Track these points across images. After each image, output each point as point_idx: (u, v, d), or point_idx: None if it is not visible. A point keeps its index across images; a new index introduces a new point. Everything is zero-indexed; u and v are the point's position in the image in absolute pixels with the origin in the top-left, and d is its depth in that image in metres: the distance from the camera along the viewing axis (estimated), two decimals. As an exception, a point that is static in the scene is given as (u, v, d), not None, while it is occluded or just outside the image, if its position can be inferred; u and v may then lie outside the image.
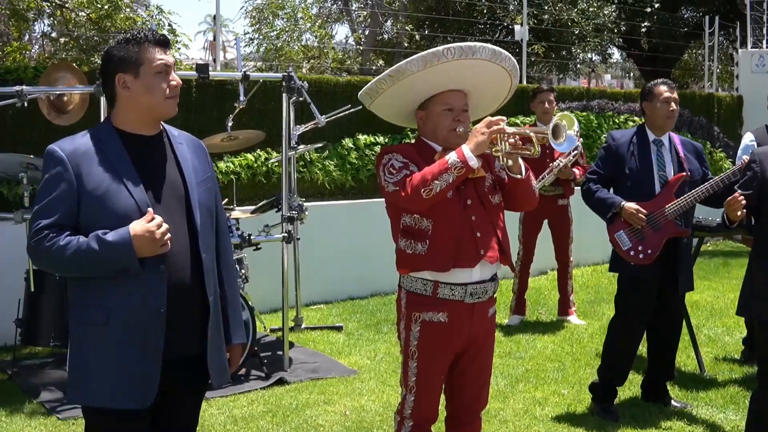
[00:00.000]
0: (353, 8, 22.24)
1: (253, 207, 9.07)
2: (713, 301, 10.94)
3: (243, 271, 8.50)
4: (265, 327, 9.29)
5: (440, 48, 4.52)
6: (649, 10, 22.36)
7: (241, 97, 7.81)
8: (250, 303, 8.37)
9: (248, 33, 22.59)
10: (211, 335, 3.97)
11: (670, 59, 23.74)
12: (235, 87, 10.65)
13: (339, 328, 9.47)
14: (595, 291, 11.59)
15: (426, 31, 21.20)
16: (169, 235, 3.71)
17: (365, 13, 22.11)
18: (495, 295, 4.87)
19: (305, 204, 8.84)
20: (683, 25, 23.73)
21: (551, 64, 20.94)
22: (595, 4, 20.45)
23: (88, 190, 3.70)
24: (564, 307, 10.04)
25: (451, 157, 4.42)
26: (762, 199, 5.38)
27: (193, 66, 8.77)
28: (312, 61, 20.49)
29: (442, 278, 4.60)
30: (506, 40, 18.63)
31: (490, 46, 4.65)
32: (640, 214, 6.43)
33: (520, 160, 4.63)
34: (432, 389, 4.77)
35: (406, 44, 19.94)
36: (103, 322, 3.72)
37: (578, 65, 23.34)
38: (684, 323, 7.69)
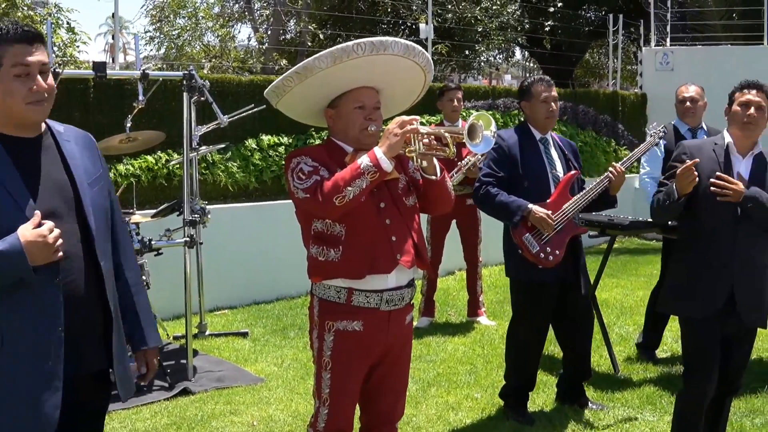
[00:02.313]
0: (255, 7, 21.91)
1: (153, 211, 8.75)
2: (623, 299, 10.90)
3: (144, 277, 8.19)
4: (168, 335, 8.99)
5: (350, 44, 4.31)
6: (552, 9, 22.38)
7: (140, 97, 7.50)
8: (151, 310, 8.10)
9: (149, 32, 22.16)
10: (115, 346, 3.72)
11: (573, 58, 23.83)
12: (135, 87, 10.29)
13: (244, 334, 9.21)
14: (504, 291, 11.36)
15: (329, 31, 20.96)
16: (61, 240, 3.41)
17: (267, 12, 21.79)
18: (412, 302, 4.68)
19: (208, 207, 8.57)
20: (586, 24, 23.82)
21: (454, 64, 20.83)
22: (498, 2, 20.43)
23: None
24: (473, 308, 9.90)
25: (364, 161, 4.21)
26: (692, 194, 5.30)
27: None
28: (213, 60, 20.13)
29: (357, 285, 4.40)
30: (411, 40, 18.47)
31: (402, 41, 4.46)
32: (550, 220, 6.27)
33: (435, 161, 4.45)
34: (346, 401, 4.57)
35: (309, 43, 19.68)
36: None
37: (482, 64, 23.31)
38: (597, 322, 7.61)
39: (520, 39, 23.10)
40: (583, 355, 6.94)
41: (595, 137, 16.42)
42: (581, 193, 6.41)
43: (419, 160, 4.35)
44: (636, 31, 20.85)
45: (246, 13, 22.02)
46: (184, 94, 7.60)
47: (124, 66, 21.01)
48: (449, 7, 19.43)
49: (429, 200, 4.60)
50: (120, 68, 8.81)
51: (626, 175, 6.57)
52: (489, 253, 11.48)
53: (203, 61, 19.99)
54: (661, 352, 8.31)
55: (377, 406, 4.68)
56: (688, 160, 5.27)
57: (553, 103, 6.51)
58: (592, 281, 7.93)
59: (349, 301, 4.41)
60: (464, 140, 4.19)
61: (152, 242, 7.60)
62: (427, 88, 4.82)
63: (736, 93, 5.47)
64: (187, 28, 20.81)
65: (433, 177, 4.45)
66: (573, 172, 6.50)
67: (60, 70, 6.98)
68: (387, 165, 4.19)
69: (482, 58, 22.52)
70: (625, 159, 6.81)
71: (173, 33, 21.22)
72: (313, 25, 19.65)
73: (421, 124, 4.35)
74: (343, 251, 4.37)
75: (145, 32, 22.24)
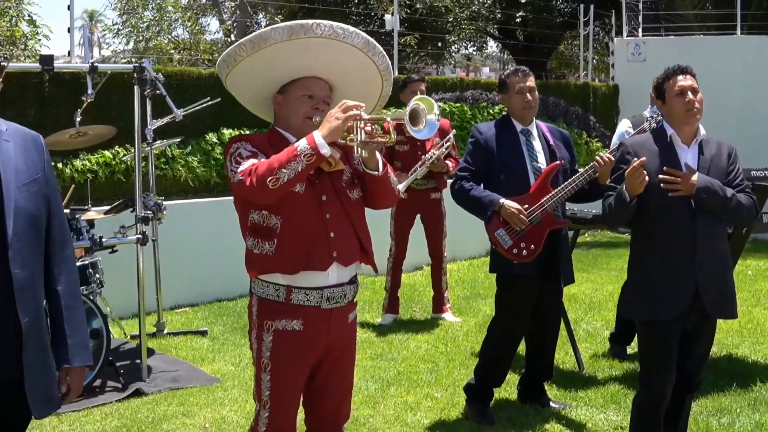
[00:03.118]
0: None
1: (108, 207, 8.53)
2: (592, 294, 10.75)
3: (98, 275, 8.00)
4: (125, 333, 8.79)
5: (310, 21, 4.13)
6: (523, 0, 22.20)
7: (89, 90, 7.27)
8: (103, 310, 7.90)
9: (117, 24, 21.93)
10: (28, 360, 3.51)
11: (546, 49, 23.68)
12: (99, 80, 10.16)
13: (203, 333, 9.01)
14: (471, 286, 11.29)
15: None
16: None
17: (234, 3, 21.56)
18: (355, 300, 4.49)
19: (164, 203, 8.36)
20: (558, 14, 23.66)
21: (425, 55, 20.65)
22: (469, -9, 20.23)
23: None
24: (438, 304, 9.72)
25: (301, 143, 4.00)
26: (642, 194, 5.07)
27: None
28: (183, 52, 19.91)
29: (295, 282, 4.21)
30: (378, 31, 18.23)
31: (364, 34, 4.28)
32: (522, 216, 6.10)
33: (378, 155, 4.24)
34: (288, 404, 4.37)
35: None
36: None
37: (452, 55, 23.12)
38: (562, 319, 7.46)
39: (491, 30, 22.89)
40: (546, 353, 6.76)
41: (566, 129, 16.21)
42: (562, 186, 6.22)
43: (360, 150, 4.14)
44: (609, 22, 20.68)
45: (211, 5, 21.77)
46: (135, 87, 7.38)
47: (100, 60, 20.77)
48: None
49: (370, 195, 4.40)
50: (97, 62, 8.56)
51: None
52: (457, 249, 11.38)
53: (172, 53, 19.78)
54: (630, 348, 8.12)
55: (321, 409, 4.50)
56: (632, 159, 5.07)
57: (529, 94, 6.34)
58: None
59: (288, 299, 4.23)
60: (406, 125, 3.98)
61: (103, 240, 7.37)
62: (384, 100, 4.61)
63: (667, 82, 5.24)
64: (156, 20, 20.56)
65: (375, 172, 4.25)
66: (555, 163, 6.30)
67: (5, 64, 6.74)
68: (325, 149, 3.97)
69: (453, 49, 22.26)
70: (614, 147, 6.63)
71: (141, 25, 20.98)
72: (280, 16, 19.42)
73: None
74: (277, 244, 4.17)
75: (113, 25, 21.99)
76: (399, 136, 9.20)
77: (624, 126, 8.00)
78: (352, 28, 4.21)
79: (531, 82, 6.38)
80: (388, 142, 4.12)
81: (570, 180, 6.24)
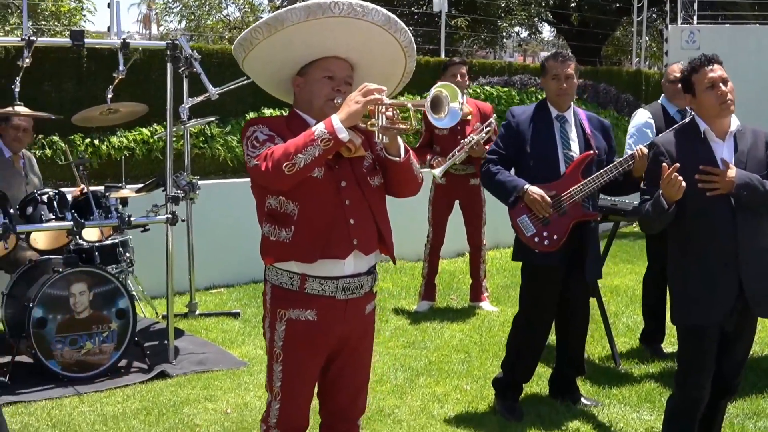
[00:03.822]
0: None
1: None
2: (635, 287, 10.45)
3: (128, 254, 7.93)
4: (157, 313, 8.71)
5: (328, 0, 3.93)
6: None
7: (121, 67, 7.12)
8: (134, 289, 7.82)
9: (167, 2, 21.89)
10: None
11: (601, 35, 23.31)
12: (131, 57, 10.05)
13: (236, 315, 8.91)
14: (512, 275, 11.01)
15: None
16: None
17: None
18: (374, 290, 4.32)
19: (200, 182, 8.24)
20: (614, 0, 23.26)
21: (475, 39, 20.38)
22: (523, -24, 19.89)
23: None
24: (476, 292, 9.52)
25: (318, 127, 3.83)
26: None
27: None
28: (233, 31, 19.84)
29: (311, 271, 4.04)
30: (428, 13, 18.00)
31: (385, 11, 4.07)
32: (545, 202, 5.88)
33: (400, 141, 4.05)
34: (299, 395, 4.23)
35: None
36: None
37: (504, 40, 22.81)
38: (599, 312, 7.24)
39: (544, 15, 22.53)
40: (576, 347, 6.55)
41: (617, 117, 15.96)
42: (593, 176, 5.99)
43: (381, 136, 3.95)
44: (664, 9, 20.30)
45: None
46: (168, 64, 7.24)
47: (158, 37, 20.83)
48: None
49: (391, 182, 4.22)
50: (153, 39, 8.33)
51: None
52: (498, 236, 11.15)
53: (223, 32, 19.72)
54: (667, 345, 7.87)
55: (334, 402, 4.35)
56: (666, 162, 4.83)
57: (565, 81, 6.10)
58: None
59: (302, 288, 4.07)
60: (427, 112, 3.78)
61: (131, 218, 7.26)
62: (408, 77, 4.42)
63: (695, 74, 4.97)
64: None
65: (396, 158, 4.07)
66: (588, 152, 6.07)
67: (34, 39, 6.66)
68: (344, 134, 3.80)
69: (505, 34, 21.95)
70: (653, 138, 6.35)
71: (193, 5, 20.92)
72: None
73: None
74: (294, 231, 4.02)
75: (164, 3, 21.95)
76: (438, 120, 9.18)
77: (643, 117, 7.53)
78: (371, 5, 4.02)
79: (570, 68, 6.13)
80: (409, 129, 3.92)
81: (602, 171, 6.01)
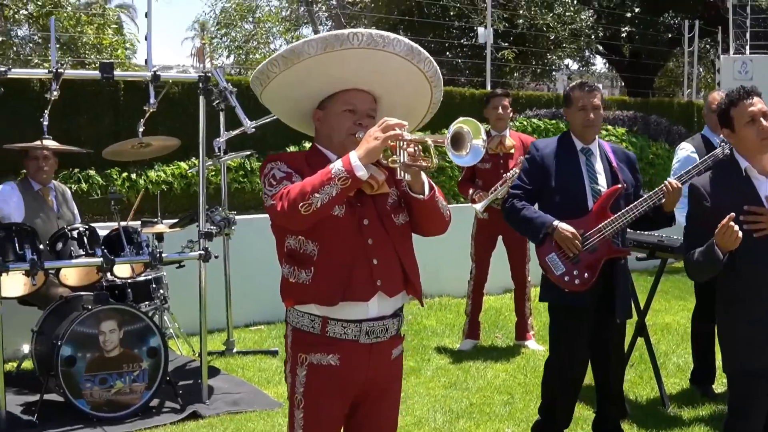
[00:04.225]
0: (316, 10, 21.45)
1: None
2: (686, 324, 10.07)
3: (161, 291, 7.77)
4: (194, 351, 8.54)
5: (345, 31, 3.73)
6: (629, 15, 21.50)
7: (151, 100, 6.99)
8: (170, 326, 7.66)
9: (215, 38, 21.92)
10: None
11: (653, 66, 22.99)
12: (169, 90, 9.94)
13: (274, 353, 8.70)
14: (560, 312, 10.78)
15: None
16: None
17: (326, 14, 21.35)
18: (402, 333, 4.07)
19: (238, 217, 8.07)
20: (665, 30, 22.94)
21: (523, 71, 20.16)
22: (571, 9, 19.62)
23: None
24: (522, 331, 9.25)
25: (336, 165, 3.59)
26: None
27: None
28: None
29: (332, 314, 3.80)
30: (474, 44, 17.84)
31: (407, 40, 3.84)
32: (576, 240, 5.61)
33: (424, 176, 3.80)
34: (321, 444, 3.97)
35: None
36: None
37: (553, 72, 22.56)
38: (647, 352, 6.96)
39: (594, 47, 22.26)
40: (615, 388, 6.23)
41: (668, 149, 15.64)
42: (623, 211, 5.70)
43: (403, 173, 3.72)
44: (716, 39, 19.98)
45: (306, 16, 21.60)
46: (200, 97, 7.09)
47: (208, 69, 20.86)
48: (520, 12, 18.69)
49: (417, 220, 3.98)
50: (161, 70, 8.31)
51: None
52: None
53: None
54: (719, 386, 7.55)
55: (358, 450, 4.09)
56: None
57: (592, 112, 5.85)
58: (642, 305, 7.28)
59: (324, 331, 3.83)
60: (447, 150, 3.53)
61: (163, 255, 7.08)
62: (436, 107, 4.19)
63: (733, 108, 4.69)
64: (254, 33, 20.47)
65: (420, 196, 3.83)
66: (616, 186, 5.79)
67: (62, 71, 6.52)
68: (362, 172, 3.56)
69: (554, 66, 21.70)
70: (683, 172, 6.03)
71: (240, 38, 20.93)
72: (374, 27, 19.12)
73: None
74: (314, 273, 3.79)
75: (212, 38, 21.97)
76: (482, 154, 8.93)
77: (685, 151, 7.25)
78: (392, 35, 3.81)
79: (597, 99, 5.87)
80: (430, 167, 3.68)
81: (632, 205, 5.71)
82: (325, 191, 3.56)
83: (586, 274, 5.63)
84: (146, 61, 8.98)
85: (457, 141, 3.54)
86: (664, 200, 5.70)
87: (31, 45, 13.58)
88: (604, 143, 6.01)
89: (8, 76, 6.63)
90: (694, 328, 7.69)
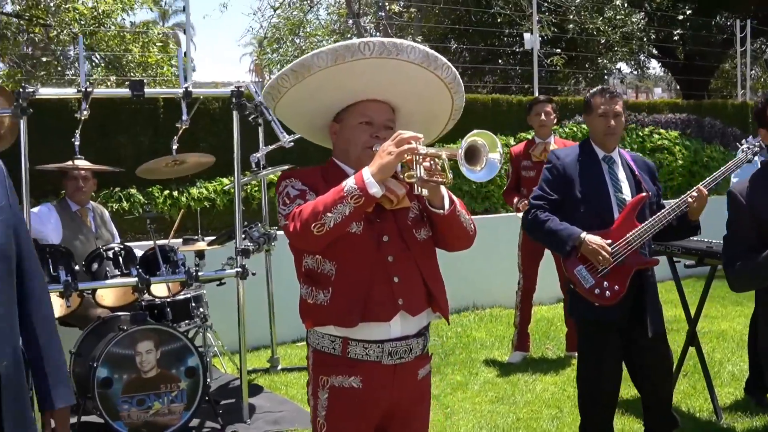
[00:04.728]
0: (366, 22, 21.37)
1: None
2: (743, 331, 9.83)
3: (201, 309, 7.67)
4: (238, 369, 8.41)
5: (356, 41, 3.59)
6: (681, 17, 21.13)
7: (184, 117, 6.90)
8: (213, 343, 7.61)
9: (266, 54, 21.93)
10: (7, 406, 3.08)
11: (707, 68, 22.60)
12: (209, 106, 9.87)
13: (319, 369, 8.55)
14: (612, 321, 10.55)
15: (443, 44, 20.25)
16: None
17: (372, 24, 21.25)
18: (428, 352, 3.91)
19: (278, 232, 7.96)
20: (719, 31, 22.54)
21: (577, 77, 19.89)
22: (622, 12, 19.31)
23: None
24: (572, 341, 8.99)
25: (348, 182, 3.44)
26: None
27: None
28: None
29: (353, 334, 3.64)
30: (525, 51, 17.63)
31: (422, 47, 3.68)
32: (605, 252, 5.38)
33: (444, 190, 3.63)
34: (345, 470, 3.81)
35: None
36: None
37: (606, 76, 22.23)
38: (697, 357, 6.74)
39: (646, 50, 21.91)
40: (663, 401, 5.97)
41: (723, 152, 15.33)
42: (650, 220, 5.48)
43: (420, 189, 3.56)
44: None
45: (353, 28, 21.55)
46: (234, 112, 6.99)
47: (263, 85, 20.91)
48: (570, 17, 18.44)
49: (440, 236, 3.82)
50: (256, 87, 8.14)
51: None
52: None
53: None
54: (777, 395, 7.31)
55: (385, 474, 3.92)
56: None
57: (613, 119, 5.64)
58: (692, 312, 7.05)
59: (344, 352, 3.68)
60: (459, 164, 3.36)
61: (198, 273, 6.98)
62: (458, 114, 4.02)
63: None
64: (304, 48, 20.43)
65: (440, 211, 3.66)
66: (642, 195, 5.57)
67: (90, 90, 6.45)
68: (375, 189, 3.41)
69: (606, 70, 21.38)
70: (709, 179, 5.81)
71: (290, 54, 20.90)
72: (419, 37, 18.97)
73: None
74: (332, 293, 3.63)
75: (263, 54, 21.99)
76: (525, 161, 8.74)
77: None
78: (407, 42, 3.64)
79: (618, 106, 5.64)
80: (446, 183, 3.52)
81: (660, 214, 5.50)
82: (337, 210, 3.42)
83: (616, 287, 5.41)
84: (185, 77, 8.91)
85: (472, 155, 3.37)
86: (689, 208, 5.50)
87: (76, 65, 13.63)
88: (623, 151, 5.80)
89: (40, 97, 6.57)
90: (751, 334, 7.44)
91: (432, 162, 3.47)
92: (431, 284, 3.77)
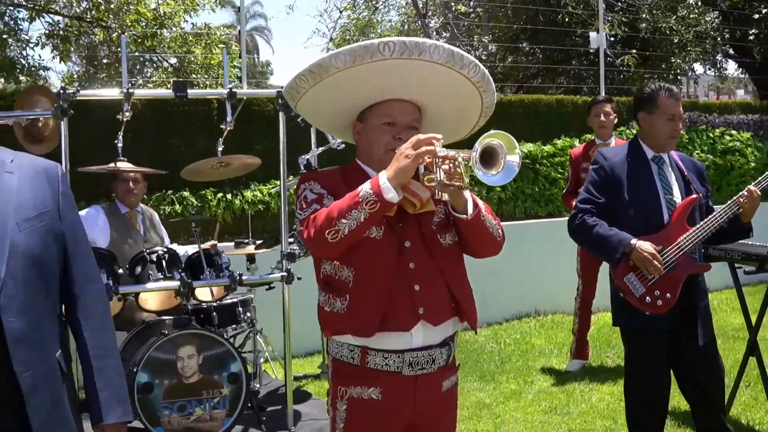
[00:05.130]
0: (435, 23, 21.15)
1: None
2: (814, 340, 9.52)
3: (248, 314, 7.55)
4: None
5: (376, 41, 3.42)
6: (756, 16, 20.54)
7: (228, 118, 6.79)
8: (256, 350, 7.50)
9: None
10: (37, 421, 2.93)
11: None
12: (262, 107, 9.76)
13: (370, 375, 8.39)
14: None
15: (510, 44, 19.96)
16: None
17: (437, 26, 21.04)
18: (454, 362, 3.73)
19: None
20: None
21: (650, 76, 19.44)
22: (696, 11, 18.84)
23: None
24: (582, 348, 8.80)
25: (364, 187, 3.28)
26: None
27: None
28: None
29: (372, 344, 3.49)
30: (595, 51, 17.30)
31: (447, 46, 3.50)
32: (657, 261, 5.11)
33: (467, 194, 3.44)
34: (364, 485, 3.63)
35: (483, 57, 18.77)
36: None
37: (680, 77, 21.72)
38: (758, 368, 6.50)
39: (721, 49, 21.36)
40: (714, 411, 5.67)
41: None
42: (701, 223, 5.22)
43: (441, 193, 3.38)
44: None
45: (420, 28, 21.36)
46: (280, 113, 6.86)
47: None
48: (642, 16, 18.05)
49: (464, 241, 3.63)
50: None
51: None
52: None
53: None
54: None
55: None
56: None
57: (680, 122, 5.40)
58: (753, 321, 6.77)
59: (363, 362, 3.53)
60: (473, 167, 3.16)
61: (242, 277, 6.85)
62: (489, 111, 3.83)
63: None
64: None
65: (463, 216, 3.47)
66: (692, 197, 5.31)
67: (132, 91, 6.36)
68: (391, 194, 3.24)
69: (679, 70, 20.88)
70: (761, 178, 5.52)
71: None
72: (487, 37, 18.72)
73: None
74: (349, 301, 3.48)
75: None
76: (585, 164, 8.48)
77: None
78: (429, 42, 3.45)
79: (681, 108, 5.41)
80: (464, 187, 3.33)
81: (711, 216, 5.24)
82: (352, 216, 3.26)
83: (668, 294, 5.16)
84: (240, 78, 8.81)
85: (489, 157, 3.18)
86: (741, 210, 5.23)
87: (137, 67, 13.65)
88: (671, 152, 5.54)
89: (83, 98, 6.50)
90: None
91: (451, 165, 3.29)
92: (457, 292, 3.60)
